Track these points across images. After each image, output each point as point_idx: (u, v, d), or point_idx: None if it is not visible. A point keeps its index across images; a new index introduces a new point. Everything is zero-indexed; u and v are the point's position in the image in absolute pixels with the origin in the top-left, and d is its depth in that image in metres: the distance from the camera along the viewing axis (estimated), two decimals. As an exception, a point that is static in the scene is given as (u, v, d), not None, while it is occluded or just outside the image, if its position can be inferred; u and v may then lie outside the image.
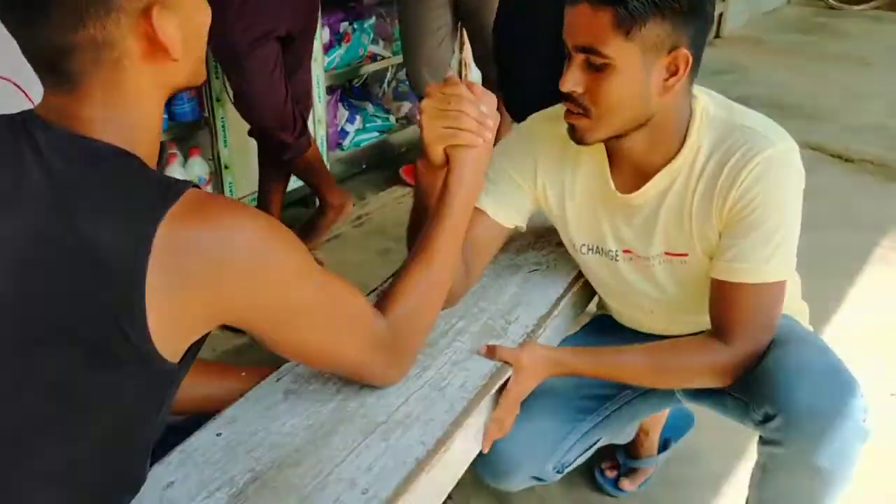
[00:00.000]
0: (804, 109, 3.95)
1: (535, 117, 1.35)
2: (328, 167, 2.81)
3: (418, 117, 1.10)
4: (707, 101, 1.20)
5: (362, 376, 1.09)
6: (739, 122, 1.18)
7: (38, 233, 0.79)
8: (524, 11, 1.90)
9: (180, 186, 0.81)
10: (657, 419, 1.65)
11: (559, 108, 1.24)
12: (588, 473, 1.67)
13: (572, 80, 1.12)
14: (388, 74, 3.27)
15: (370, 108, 3.17)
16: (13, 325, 0.79)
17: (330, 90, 2.89)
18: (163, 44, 0.83)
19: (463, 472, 1.17)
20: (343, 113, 3.01)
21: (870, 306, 2.28)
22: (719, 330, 1.17)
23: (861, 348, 1.74)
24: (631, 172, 1.24)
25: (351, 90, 3.17)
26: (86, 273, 0.77)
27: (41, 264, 0.78)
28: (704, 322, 1.22)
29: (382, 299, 1.07)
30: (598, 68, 1.10)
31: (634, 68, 1.09)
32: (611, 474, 1.67)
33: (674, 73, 1.11)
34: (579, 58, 1.11)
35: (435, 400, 1.10)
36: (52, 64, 0.82)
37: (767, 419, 1.09)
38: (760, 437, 1.15)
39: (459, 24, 2.77)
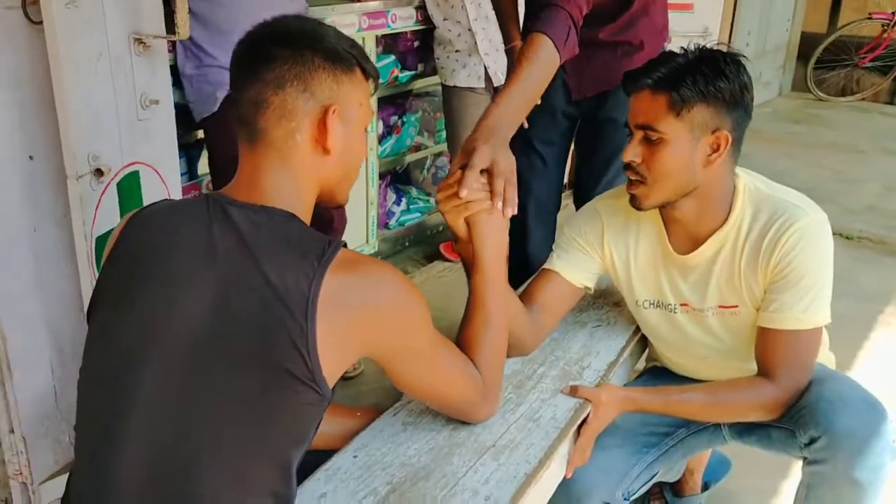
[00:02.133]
0: (805, 193, 4.23)
1: (600, 196, 1.60)
2: (376, 245, 3.05)
3: (438, 206, 1.34)
4: (748, 178, 1.46)
5: (464, 412, 1.29)
6: (778, 196, 1.43)
7: (234, 279, 1.01)
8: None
9: (337, 244, 1.05)
10: (700, 461, 1.84)
11: (620, 188, 1.49)
12: (641, 512, 1.85)
13: (633, 152, 1.38)
14: (428, 161, 3.58)
15: (414, 191, 3.47)
16: (217, 352, 1.01)
17: (381, 176, 3.18)
18: (327, 138, 1.08)
19: (552, 493, 1.37)
20: (391, 196, 3.30)
21: (878, 366, 2.49)
22: (766, 370, 1.39)
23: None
24: (685, 237, 1.48)
25: (397, 176, 3.47)
26: (272, 309, 0.99)
27: (238, 303, 1.01)
28: (750, 369, 1.43)
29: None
30: (653, 142, 1.35)
31: (683, 143, 1.34)
32: (660, 512, 1.85)
33: (716, 150, 1.36)
34: (639, 134, 1.37)
35: (532, 429, 1.31)
36: (248, 117, 1.08)
37: (812, 441, 1.30)
38: (805, 459, 1.34)
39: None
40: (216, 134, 2.13)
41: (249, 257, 1.02)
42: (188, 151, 2.45)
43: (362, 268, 1.06)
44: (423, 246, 3.37)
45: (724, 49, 1.39)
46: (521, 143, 1.74)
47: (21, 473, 1.59)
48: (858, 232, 3.70)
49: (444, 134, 3.11)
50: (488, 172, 1.30)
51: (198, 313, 1.01)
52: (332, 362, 1.03)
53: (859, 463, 1.26)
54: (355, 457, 1.25)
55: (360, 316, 1.04)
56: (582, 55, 1.62)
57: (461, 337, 1.29)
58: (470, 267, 1.34)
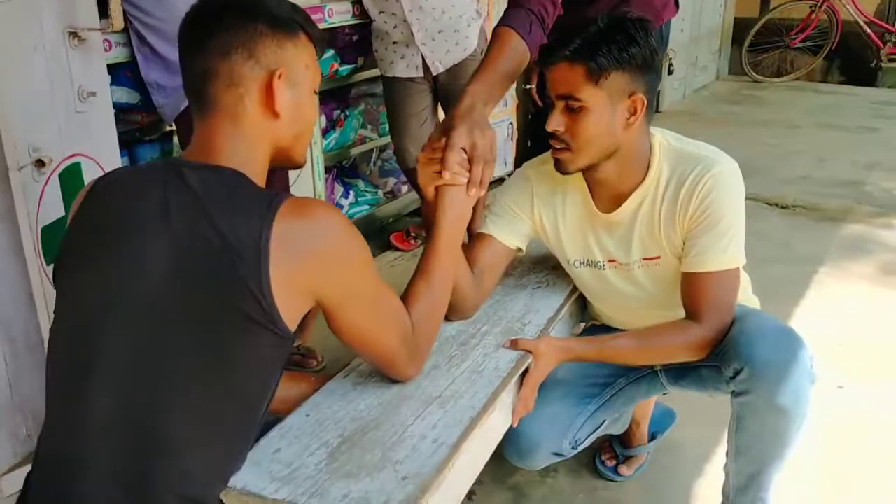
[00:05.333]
0: (742, 167, 4.37)
1: (529, 163, 1.68)
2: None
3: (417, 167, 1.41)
4: (662, 136, 1.54)
5: (392, 365, 1.32)
6: (691, 149, 1.52)
7: (188, 233, 1.08)
8: None
9: (283, 194, 1.12)
10: (645, 413, 1.93)
11: (545, 155, 1.57)
12: (591, 465, 1.93)
13: (556, 121, 1.45)
14: (374, 155, 3.63)
15: (361, 184, 3.51)
16: (180, 300, 1.08)
17: (327, 170, 3.22)
18: (275, 101, 1.14)
19: (497, 443, 1.44)
20: (339, 189, 3.34)
21: (813, 321, 2.62)
22: (691, 313, 1.48)
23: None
24: (608, 197, 1.56)
25: (343, 169, 3.52)
26: (226, 257, 1.06)
27: (195, 254, 1.07)
28: (675, 317, 1.51)
29: None
30: (575, 111, 1.43)
31: (603, 109, 1.42)
32: (610, 463, 1.92)
33: (633, 113, 1.44)
34: (560, 104, 1.44)
35: (476, 380, 1.37)
36: (198, 87, 1.14)
37: (736, 374, 1.38)
38: (732, 392, 1.43)
39: (438, 105, 3.14)
40: (188, 129, 2.19)
41: (202, 212, 1.08)
42: (162, 143, 2.49)
43: (309, 212, 1.12)
44: (373, 237, 3.42)
45: (632, 16, 1.47)
46: None
47: (-20, 467, 1.61)
48: (793, 200, 3.85)
49: (387, 126, 3.17)
50: (467, 152, 1.38)
51: (158, 267, 1.08)
52: (288, 305, 1.09)
53: (780, 389, 1.35)
54: (307, 416, 1.30)
55: (310, 261, 1.11)
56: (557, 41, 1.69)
57: (406, 291, 1.36)
58: (429, 229, 1.42)
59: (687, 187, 1.47)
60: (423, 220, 1.48)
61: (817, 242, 3.36)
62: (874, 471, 1.92)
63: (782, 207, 3.80)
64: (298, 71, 1.19)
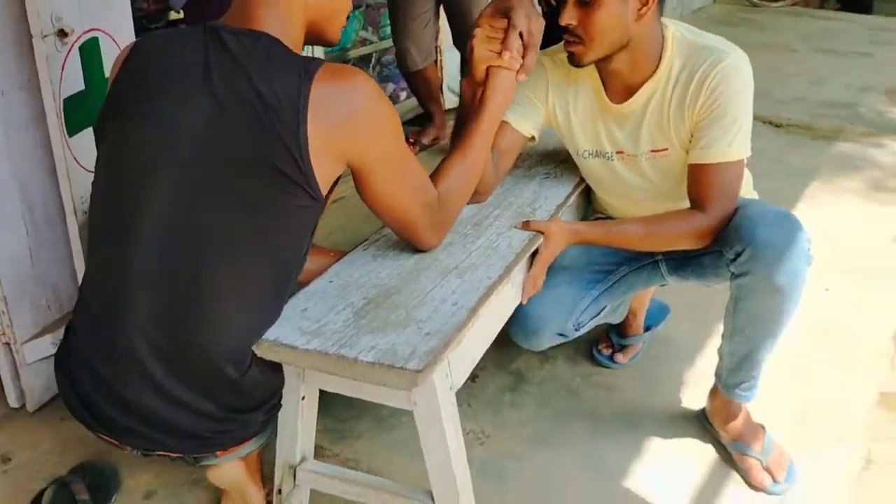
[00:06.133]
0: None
1: (545, 51, 1.70)
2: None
3: (470, 42, 1.44)
4: (675, 28, 1.57)
5: (414, 232, 1.37)
6: (702, 42, 1.55)
7: (229, 93, 1.13)
8: None
9: (319, 60, 1.17)
10: (642, 304, 2.01)
11: (558, 46, 1.60)
12: (588, 353, 2.02)
13: (569, 16, 1.47)
14: (373, 59, 3.61)
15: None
16: (219, 158, 1.13)
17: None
18: None
19: (507, 316, 1.52)
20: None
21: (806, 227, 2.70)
22: (696, 203, 1.53)
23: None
24: (620, 88, 1.60)
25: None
26: (265, 116, 1.11)
27: (234, 113, 1.12)
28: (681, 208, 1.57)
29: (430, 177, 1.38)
30: (587, 4, 1.45)
31: (614, 1, 1.44)
32: (606, 351, 2.02)
33: (645, 4, 1.47)
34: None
35: (490, 255, 1.44)
36: None
37: (738, 256, 1.45)
38: (732, 275, 1.50)
39: (440, 8, 3.12)
40: (196, 16, 2.22)
41: (242, 73, 1.12)
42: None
43: (346, 76, 1.17)
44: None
45: None
46: None
47: (4, 334, 1.66)
48: (787, 120, 3.89)
49: (388, 28, 3.15)
50: (523, 38, 1.42)
51: (199, 125, 1.13)
52: (322, 166, 1.15)
53: (779, 269, 1.42)
54: (331, 281, 1.36)
55: (345, 122, 1.16)
56: None
57: (441, 163, 1.41)
58: (468, 106, 1.48)
59: (697, 79, 1.51)
60: (463, 100, 1.51)
61: (811, 159, 3.42)
62: (848, 361, 2.03)
63: (777, 126, 3.85)
64: None
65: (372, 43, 3.46)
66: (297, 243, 1.23)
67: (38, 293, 1.70)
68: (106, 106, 1.23)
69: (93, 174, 1.26)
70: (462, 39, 3.03)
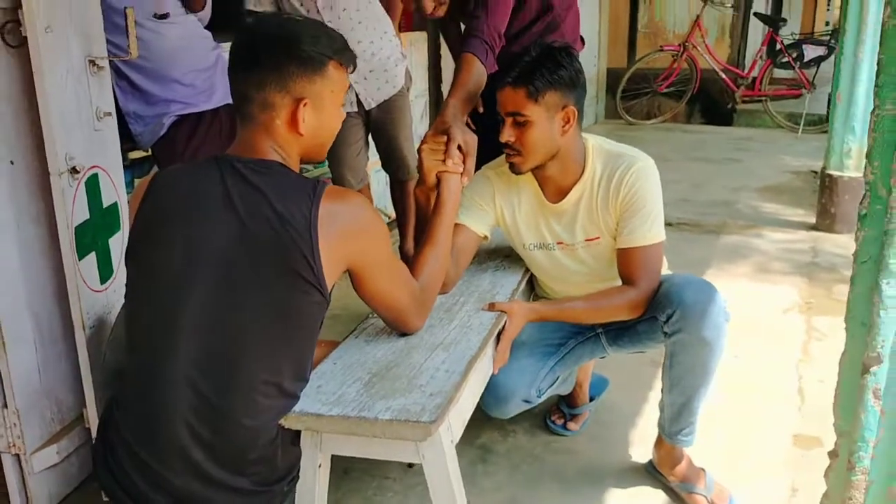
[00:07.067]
0: (630, 194, 4.96)
1: (487, 165, 2.03)
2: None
3: (420, 156, 1.81)
4: (594, 140, 1.93)
5: (404, 318, 1.61)
6: (617, 150, 1.91)
7: (251, 213, 1.35)
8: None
9: (324, 182, 1.42)
10: (586, 375, 2.28)
11: (498, 160, 1.94)
12: (543, 425, 2.27)
13: (507, 133, 1.81)
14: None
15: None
16: (247, 269, 1.34)
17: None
18: (298, 125, 1.42)
19: (483, 385, 1.75)
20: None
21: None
22: (627, 280, 1.85)
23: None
24: (555, 190, 1.93)
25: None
26: (284, 231, 1.34)
27: (257, 230, 1.34)
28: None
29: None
30: (521, 125, 1.79)
31: (543, 121, 1.79)
32: (559, 421, 2.26)
33: (567, 122, 1.82)
34: (509, 120, 1.80)
35: (467, 332, 1.69)
36: (239, 105, 1.43)
37: (669, 317, 1.76)
38: (665, 334, 1.80)
39: (369, 137, 3.47)
40: (165, 153, 2.45)
41: (260, 196, 1.35)
42: (133, 170, 2.69)
43: (345, 198, 1.43)
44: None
45: (558, 45, 1.84)
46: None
47: (14, 445, 1.76)
48: (677, 219, 4.40)
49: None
50: (461, 148, 1.76)
51: (227, 242, 1.34)
52: (329, 269, 1.38)
53: (705, 323, 1.73)
54: (335, 363, 1.57)
55: (348, 234, 1.41)
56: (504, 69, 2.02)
57: (414, 260, 1.67)
58: (425, 209, 1.77)
59: (616, 179, 1.86)
60: (419, 204, 1.82)
61: (703, 251, 3.89)
62: (763, 411, 2.35)
63: (669, 224, 4.31)
64: (324, 96, 1.44)
65: (308, 171, 3.77)
66: (311, 335, 1.43)
67: (45, 406, 1.82)
68: (135, 231, 1.42)
69: (97, 293, 1.42)
70: (390, 163, 3.38)
